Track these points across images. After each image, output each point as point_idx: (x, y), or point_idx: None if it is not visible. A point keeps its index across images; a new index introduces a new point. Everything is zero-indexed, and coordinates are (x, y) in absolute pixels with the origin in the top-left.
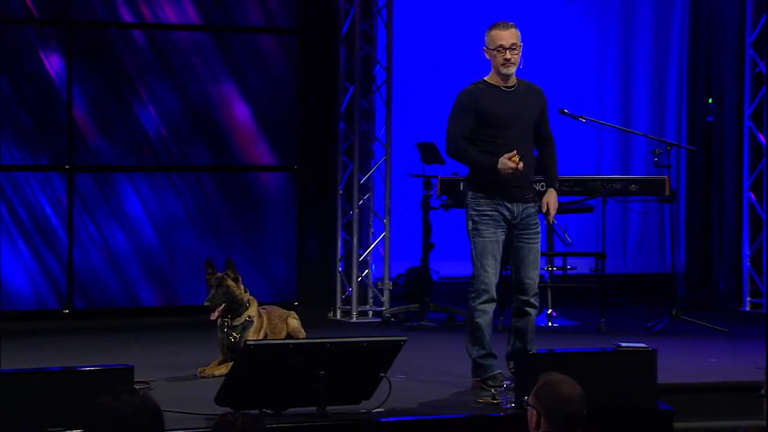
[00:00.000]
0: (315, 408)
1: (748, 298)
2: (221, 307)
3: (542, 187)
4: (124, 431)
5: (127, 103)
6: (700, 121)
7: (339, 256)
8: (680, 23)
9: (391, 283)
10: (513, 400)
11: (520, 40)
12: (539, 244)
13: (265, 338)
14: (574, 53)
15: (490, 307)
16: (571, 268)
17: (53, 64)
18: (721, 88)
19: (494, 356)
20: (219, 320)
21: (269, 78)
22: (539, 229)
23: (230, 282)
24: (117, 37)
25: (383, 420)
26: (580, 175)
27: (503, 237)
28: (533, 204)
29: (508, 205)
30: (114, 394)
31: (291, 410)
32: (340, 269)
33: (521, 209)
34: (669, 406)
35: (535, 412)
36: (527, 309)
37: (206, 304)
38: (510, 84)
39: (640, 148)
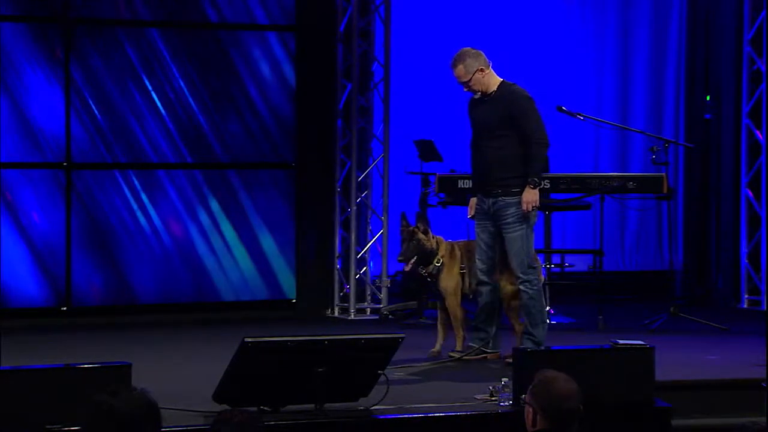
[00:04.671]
0: (313, 405)
1: (746, 296)
2: (413, 260)
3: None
4: (122, 428)
5: (122, 100)
6: (698, 118)
7: (337, 254)
8: (678, 21)
9: (389, 281)
10: (511, 397)
11: (466, 74)
12: (516, 234)
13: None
14: (572, 51)
15: (483, 288)
16: (569, 266)
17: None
18: (719, 86)
19: (481, 329)
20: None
21: (267, 75)
22: (513, 220)
23: (420, 235)
24: (113, 34)
25: (381, 417)
26: (578, 173)
27: (487, 227)
28: (502, 198)
29: (485, 199)
30: (112, 391)
31: (289, 407)
32: (338, 266)
33: (491, 203)
34: (666, 403)
35: (531, 410)
36: (519, 292)
37: (399, 259)
38: (487, 93)
39: (638, 146)
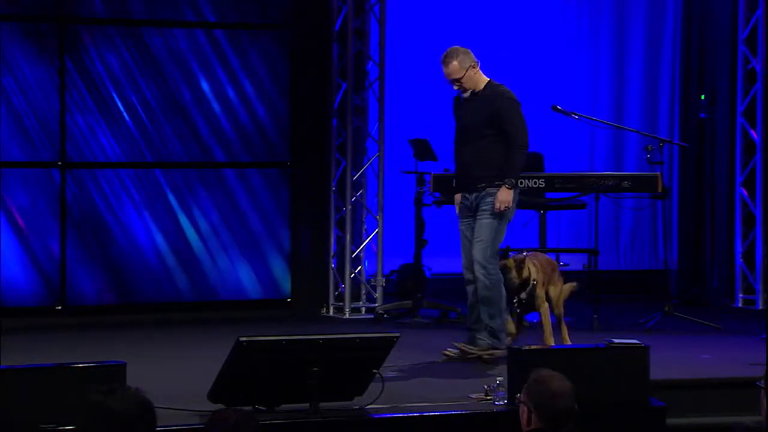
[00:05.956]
0: (308, 404)
1: (741, 295)
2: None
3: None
4: (117, 427)
5: (118, 99)
6: (692, 117)
7: (332, 253)
8: (673, 20)
9: (384, 280)
10: (506, 396)
11: (460, 72)
12: (486, 221)
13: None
14: (567, 50)
15: (469, 287)
16: (564, 265)
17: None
18: (714, 85)
19: (469, 329)
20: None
21: (262, 74)
22: (489, 208)
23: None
24: (109, 33)
25: (376, 416)
26: (572, 172)
27: (471, 224)
28: (486, 190)
29: (468, 196)
30: (107, 390)
31: (284, 406)
32: (333, 266)
33: (474, 197)
34: (661, 402)
35: (526, 409)
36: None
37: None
38: (475, 92)
39: (633, 145)
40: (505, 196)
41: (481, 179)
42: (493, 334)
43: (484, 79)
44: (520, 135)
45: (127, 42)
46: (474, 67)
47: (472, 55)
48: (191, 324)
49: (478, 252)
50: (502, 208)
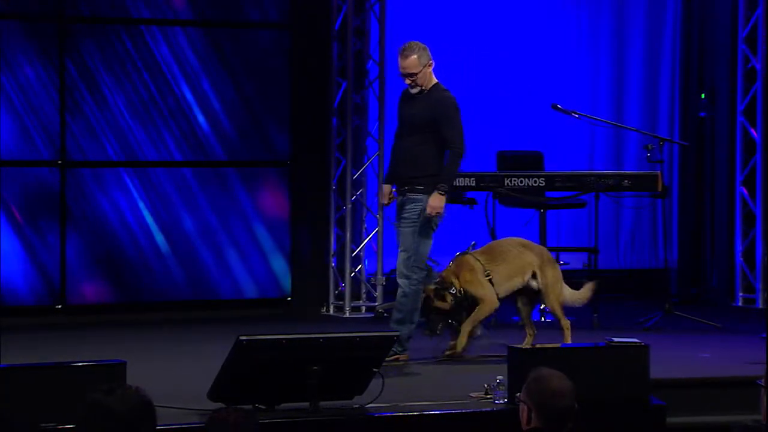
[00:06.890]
0: (308, 403)
1: (741, 294)
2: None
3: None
4: (117, 426)
5: (118, 98)
6: (692, 116)
7: (332, 252)
8: (673, 18)
9: (384, 279)
10: (506, 395)
11: (417, 67)
12: (408, 229)
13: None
14: (567, 49)
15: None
16: (564, 263)
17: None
18: (714, 84)
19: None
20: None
21: (262, 73)
22: (410, 215)
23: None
24: (108, 33)
25: (376, 415)
26: (573, 171)
27: (398, 225)
28: (408, 195)
29: (399, 198)
30: (107, 389)
31: (284, 405)
32: (333, 265)
33: (402, 200)
34: (661, 401)
35: (525, 408)
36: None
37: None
38: (421, 90)
39: (633, 144)
40: (436, 202)
41: (407, 179)
42: (399, 340)
43: (434, 80)
44: (458, 141)
45: (126, 42)
46: (429, 66)
47: (429, 52)
48: (191, 323)
49: (400, 262)
50: (433, 214)
